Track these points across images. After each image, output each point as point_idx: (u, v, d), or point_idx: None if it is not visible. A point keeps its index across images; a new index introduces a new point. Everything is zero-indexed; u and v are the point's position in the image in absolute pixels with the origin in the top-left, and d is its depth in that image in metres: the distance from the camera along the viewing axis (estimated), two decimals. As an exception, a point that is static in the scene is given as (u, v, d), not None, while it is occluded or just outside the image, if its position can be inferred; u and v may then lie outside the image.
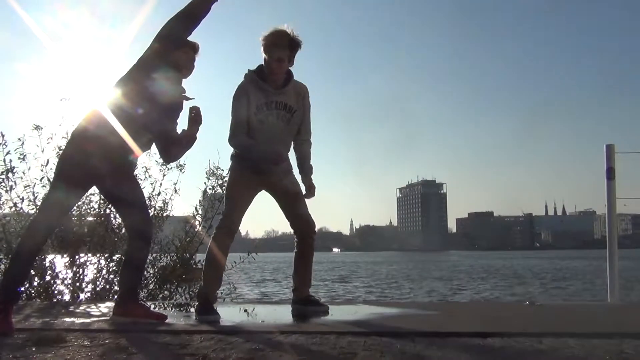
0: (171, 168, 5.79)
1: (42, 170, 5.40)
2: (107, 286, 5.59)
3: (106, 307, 4.01)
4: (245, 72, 3.53)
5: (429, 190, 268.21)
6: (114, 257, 5.66)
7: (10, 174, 5.39)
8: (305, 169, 3.68)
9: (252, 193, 3.57)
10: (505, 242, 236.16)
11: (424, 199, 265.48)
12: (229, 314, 3.40)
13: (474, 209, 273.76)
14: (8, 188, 5.44)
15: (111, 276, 5.63)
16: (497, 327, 3.03)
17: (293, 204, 3.64)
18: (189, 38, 3.24)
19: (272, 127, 3.47)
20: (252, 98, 3.43)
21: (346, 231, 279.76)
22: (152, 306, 4.30)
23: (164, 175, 5.82)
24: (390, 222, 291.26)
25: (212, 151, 5.79)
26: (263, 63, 3.45)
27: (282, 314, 3.68)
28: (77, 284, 5.50)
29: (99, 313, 3.63)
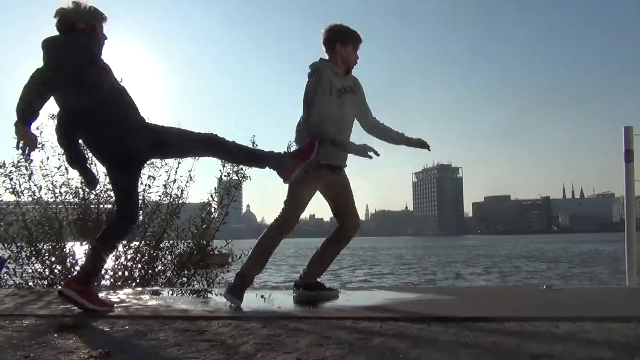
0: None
1: (59, 160, 5.46)
2: (126, 273, 5.66)
3: (124, 294, 4.08)
4: (316, 60, 3.66)
5: (444, 175, 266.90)
6: (131, 245, 5.72)
7: (27, 163, 5.46)
8: (400, 135, 3.83)
9: (316, 191, 3.67)
10: (522, 226, 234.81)
11: (439, 184, 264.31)
12: (246, 300, 3.43)
13: (490, 193, 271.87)
14: (27, 176, 5.52)
15: (129, 263, 5.71)
16: (514, 311, 3.03)
17: (348, 199, 3.79)
18: None
19: (346, 112, 3.62)
20: (333, 83, 3.55)
21: (362, 216, 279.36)
22: (171, 292, 4.37)
23: (179, 163, 5.86)
24: (406, 207, 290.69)
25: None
26: (334, 53, 3.63)
27: (299, 300, 3.71)
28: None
29: (117, 300, 3.69)
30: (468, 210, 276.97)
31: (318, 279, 3.85)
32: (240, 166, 5.81)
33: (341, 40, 3.64)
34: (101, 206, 5.75)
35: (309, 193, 3.59)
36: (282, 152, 3.42)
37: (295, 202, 3.56)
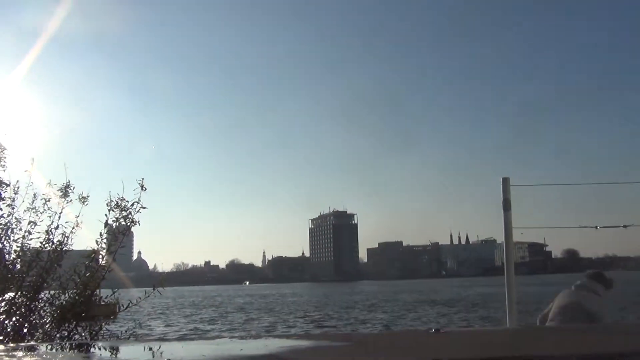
0: (71, 200, 5.53)
1: None
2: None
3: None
4: None
5: (340, 222, 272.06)
6: (5, 297, 5.25)
7: None
8: None
9: None
10: (414, 271, 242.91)
11: (335, 230, 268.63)
12: (133, 352, 3.23)
13: (384, 239, 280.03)
14: None
15: (2, 316, 5.22)
16: (404, 355, 3.09)
17: None
18: None
19: None
20: None
21: (259, 263, 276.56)
22: (49, 347, 4.02)
23: (63, 208, 5.54)
24: (303, 253, 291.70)
25: (116, 182, 5.60)
26: None
27: (190, 351, 3.55)
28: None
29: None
30: (363, 255, 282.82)
31: None
32: (129, 211, 5.59)
33: None
34: None
35: None
36: None
37: None
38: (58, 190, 5.53)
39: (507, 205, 4.72)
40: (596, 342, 3.61)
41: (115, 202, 5.58)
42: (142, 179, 5.59)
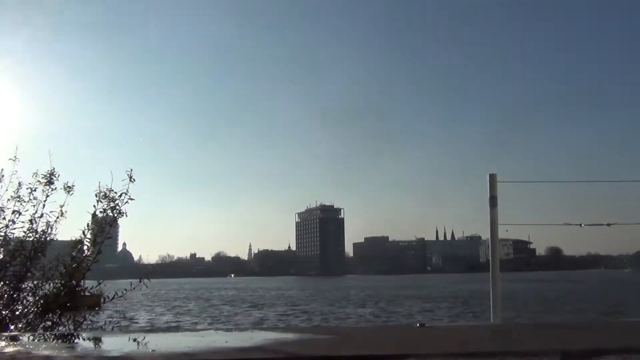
0: (55, 189, 5.48)
1: None
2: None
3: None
4: None
5: (327, 216, 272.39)
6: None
7: None
8: None
9: None
10: (399, 266, 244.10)
11: (322, 224, 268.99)
12: (118, 343, 3.23)
13: (370, 234, 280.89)
14: None
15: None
16: (388, 349, 3.11)
17: None
18: None
19: None
20: None
21: (244, 256, 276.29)
22: (32, 337, 4.00)
23: (47, 196, 5.48)
24: (289, 247, 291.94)
25: (105, 172, 5.56)
26: None
27: (175, 343, 3.55)
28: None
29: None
30: (349, 250, 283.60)
31: None
32: (116, 202, 5.56)
33: None
34: None
35: None
36: None
37: None
38: (42, 177, 5.47)
39: (493, 202, 4.76)
40: (578, 338, 3.66)
41: (104, 193, 5.55)
42: (131, 170, 5.55)
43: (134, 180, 5.56)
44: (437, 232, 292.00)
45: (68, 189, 5.56)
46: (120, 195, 5.55)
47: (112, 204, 5.58)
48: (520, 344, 3.46)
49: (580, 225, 5.12)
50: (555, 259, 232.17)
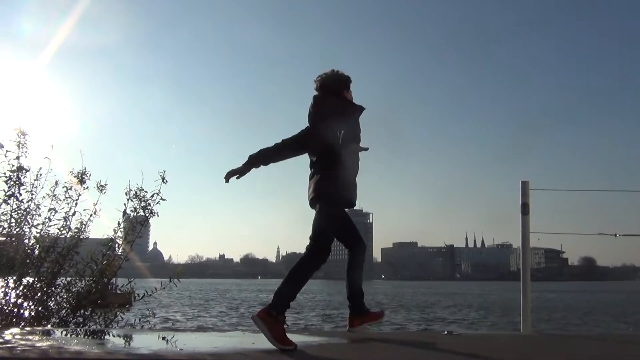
0: (87, 187, 5.59)
1: None
2: (15, 311, 5.24)
3: (11, 334, 3.76)
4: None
5: (355, 220, 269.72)
6: (22, 281, 5.33)
7: None
8: None
9: None
10: (428, 272, 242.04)
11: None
12: (147, 341, 3.28)
13: (398, 239, 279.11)
14: None
15: (19, 300, 5.29)
16: (416, 356, 3.08)
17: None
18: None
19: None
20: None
21: (272, 258, 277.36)
22: (64, 332, 4.08)
23: (79, 195, 5.60)
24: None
25: (136, 171, 5.64)
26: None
27: (202, 343, 3.59)
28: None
29: (1, 341, 3.40)
30: (377, 255, 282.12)
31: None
32: (148, 201, 5.64)
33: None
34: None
35: None
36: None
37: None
38: (74, 176, 5.58)
39: (525, 210, 4.67)
40: (610, 352, 3.56)
41: (134, 192, 5.64)
42: (164, 171, 5.64)
43: (167, 181, 5.64)
44: (466, 238, 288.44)
45: (100, 187, 5.66)
46: (152, 196, 5.63)
47: (143, 203, 5.66)
48: (550, 355, 3.39)
49: (615, 235, 5.00)
50: (589, 270, 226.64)
